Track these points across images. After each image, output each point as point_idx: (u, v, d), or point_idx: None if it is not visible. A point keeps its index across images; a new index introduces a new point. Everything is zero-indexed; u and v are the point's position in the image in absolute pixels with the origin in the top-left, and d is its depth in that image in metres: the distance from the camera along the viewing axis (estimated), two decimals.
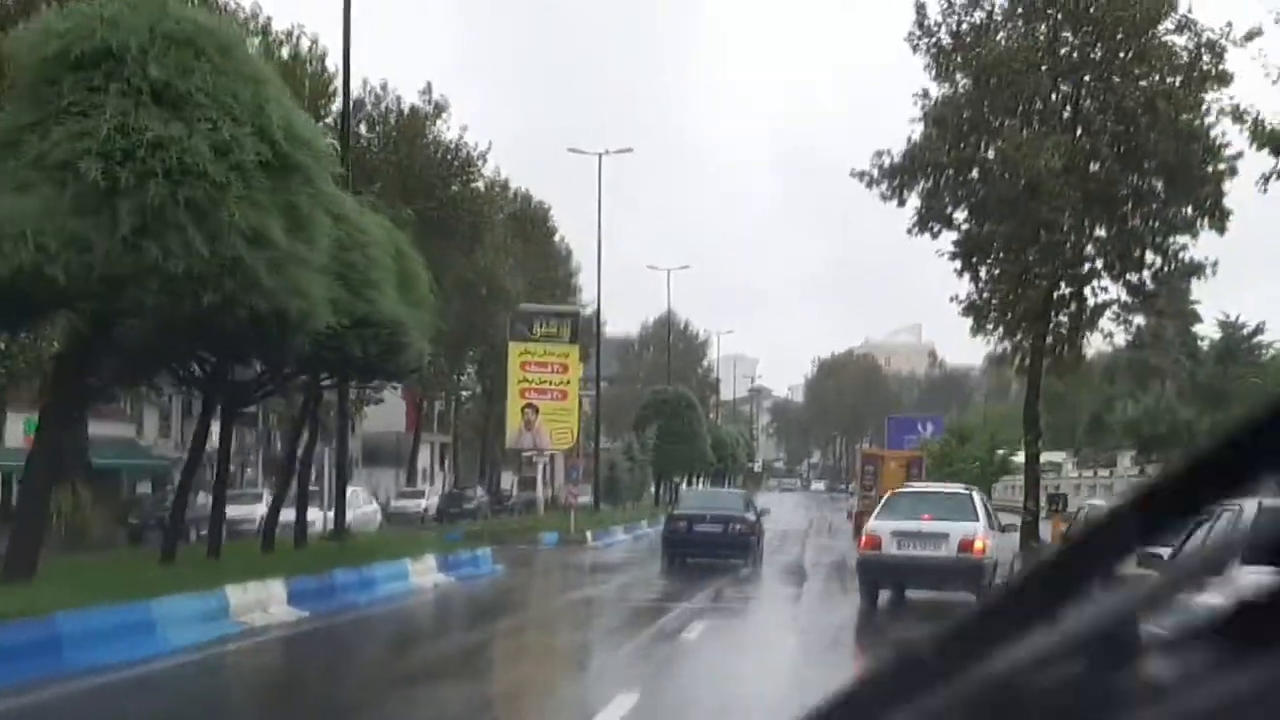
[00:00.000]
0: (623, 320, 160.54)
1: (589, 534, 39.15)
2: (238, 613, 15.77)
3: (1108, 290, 42.24)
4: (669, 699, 11.79)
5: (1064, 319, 42.60)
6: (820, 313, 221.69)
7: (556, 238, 71.70)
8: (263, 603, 16.62)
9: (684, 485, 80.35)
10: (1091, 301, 42.27)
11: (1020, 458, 64.14)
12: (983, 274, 43.08)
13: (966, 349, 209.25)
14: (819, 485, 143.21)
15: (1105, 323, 42.63)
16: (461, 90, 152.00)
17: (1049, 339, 42.84)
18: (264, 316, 15.19)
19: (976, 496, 21.81)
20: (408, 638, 17.37)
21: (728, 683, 12.72)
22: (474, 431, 71.06)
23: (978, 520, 20.06)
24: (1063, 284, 42.18)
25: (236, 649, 14.43)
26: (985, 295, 43.29)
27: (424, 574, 22.96)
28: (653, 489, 66.14)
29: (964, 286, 43.41)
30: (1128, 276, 41.85)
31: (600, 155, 51.82)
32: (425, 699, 11.76)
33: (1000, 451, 55.98)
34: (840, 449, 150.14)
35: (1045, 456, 66.54)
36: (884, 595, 20.77)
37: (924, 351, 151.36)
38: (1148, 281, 41.66)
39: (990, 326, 43.38)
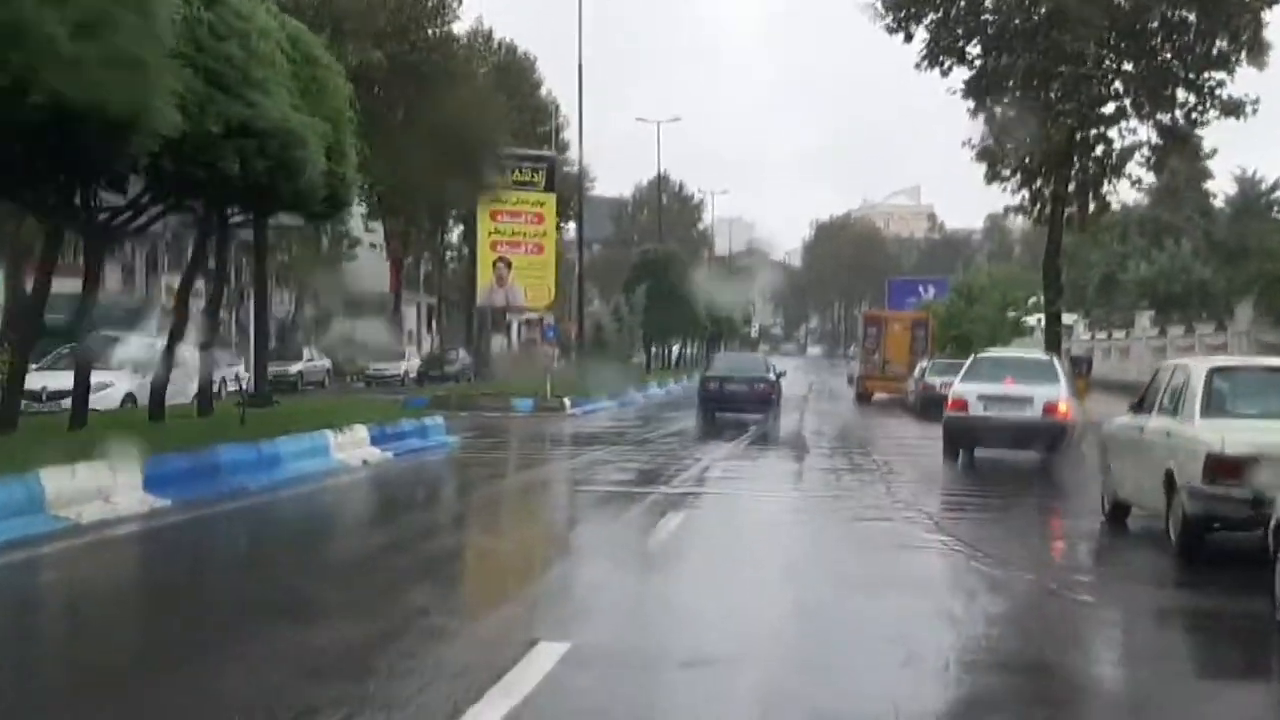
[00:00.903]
0: (617, 181, 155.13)
1: (567, 400, 35.15)
2: (58, 504, 11.70)
3: (1136, 132, 37.78)
4: (611, 646, 7.81)
5: (1089, 164, 38.11)
6: (818, 176, 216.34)
7: (543, 91, 66.77)
8: (104, 490, 12.54)
9: (676, 349, 76.56)
10: (1118, 144, 37.78)
11: (1032, 319, 60.23)
12: (998, 114, 38.45)
13: (966, 211, 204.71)
14: (815, 350, 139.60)
15: (1133, 167, 38.07)
16: None
17: (1071, 186, 38.45)
18: (76, 108, 10.96)
19: (1058, 362, 23.07)
20: (291, 538, 13.12)
21: (696, 623, 8.69)
22: (460, 293, 67.03)
23: (1059, 383, 21.04)
24: (1086, 125, 37.63)
25: (28, 558, 10.35)
26: (1000, 139, 38.71)
27: (351, 448, 18.88)
28: (642, 353, 62.07)
29: (976, 130, 38.87)
30: (1158, 116, 37.28)
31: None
32: (262, 641, 7.78)
33: (1012, 312, 51.75)
34: (838, 314, 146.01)
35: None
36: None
37: (923, 214, 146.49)
38: (1180, 121, 37.12)
39: (1005, 173, 38.92)
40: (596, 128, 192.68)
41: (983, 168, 38.85)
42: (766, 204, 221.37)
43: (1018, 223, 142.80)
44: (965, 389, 21.51)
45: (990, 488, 18.88)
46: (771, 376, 34.46)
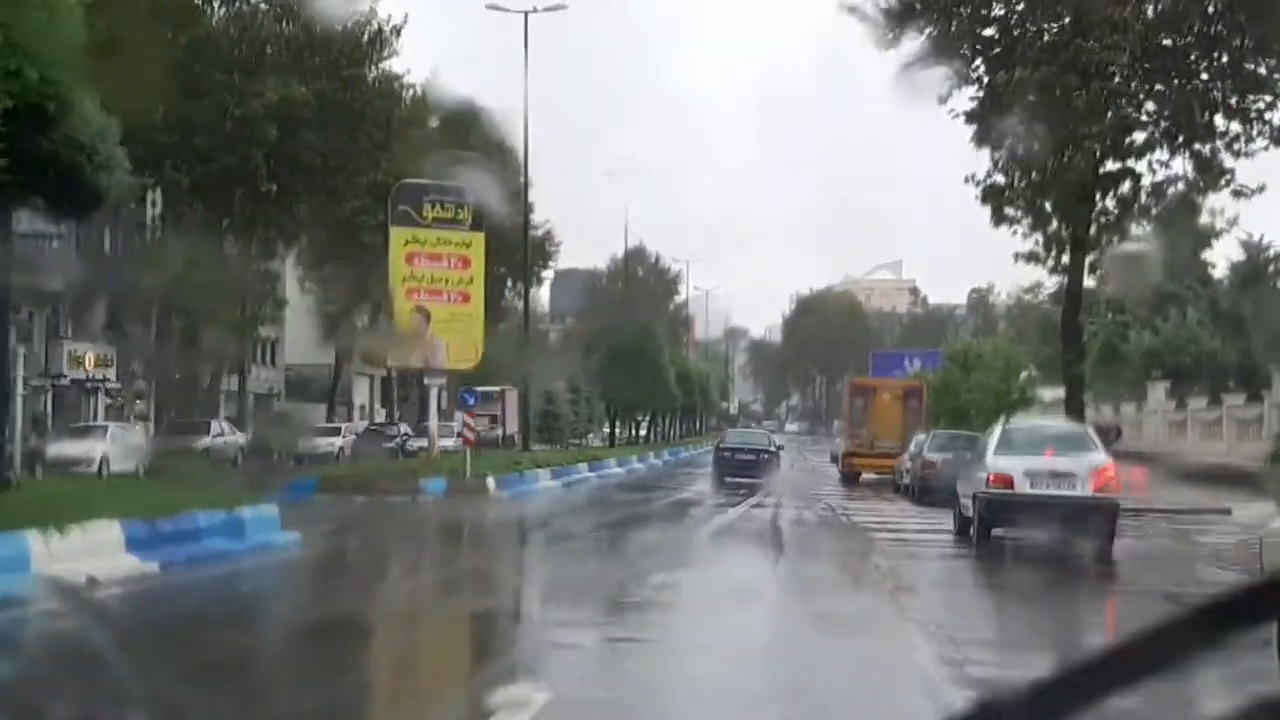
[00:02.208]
0: (592, 254, 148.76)
1: (491, 480, 28.27)
2: None
3: (1168, 166, 31.37)
4: None
5: (1110, 203, 31.61)
6: (799, 250, 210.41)
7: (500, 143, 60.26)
8: None
9: (648, 425, 69.76)
10: (1148, 179, 31.34)
11: (1044, 392, 53.65)
12: (1007, 142, 31.96)
13: (949, 286, 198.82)
14: (794, 427, 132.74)
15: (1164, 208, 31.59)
16: None
17: (1092, 229, 31.90)
18: None
19: (1093, 432, 20.87)
20: None
21: None
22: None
23: (1103, 454, 18.81)
24: (1113, 154, 31.20)
25: None
26: (1010, 171, 32.19)
27: (79, 558, 12.01)
28: (607, 428, 55.25)
29: (982, 165, 32.42)
30: (1195, 146, 30.85)
31: (526, 14, 42.63)
32: None
33: (1024, 374, 45.03)
34: (820, 389, 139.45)
35: (1049, 393, 56.08)
36: None
37: (905, 288, 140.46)
38: (1221, 152, 30.66)
39: (1015, 214, 32.35)
40: (570, 196, 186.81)
41: (988, 212, 32.38)
42: (746, 278, 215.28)
43: (1001, 298, 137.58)
44: (1008, 463, 18.76)
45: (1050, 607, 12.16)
46: (772, 448, 42.35)
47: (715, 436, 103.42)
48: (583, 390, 46.79)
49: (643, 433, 67.09)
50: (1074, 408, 30.87)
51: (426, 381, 33.23)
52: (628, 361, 53.26)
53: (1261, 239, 65.73)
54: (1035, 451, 18.87)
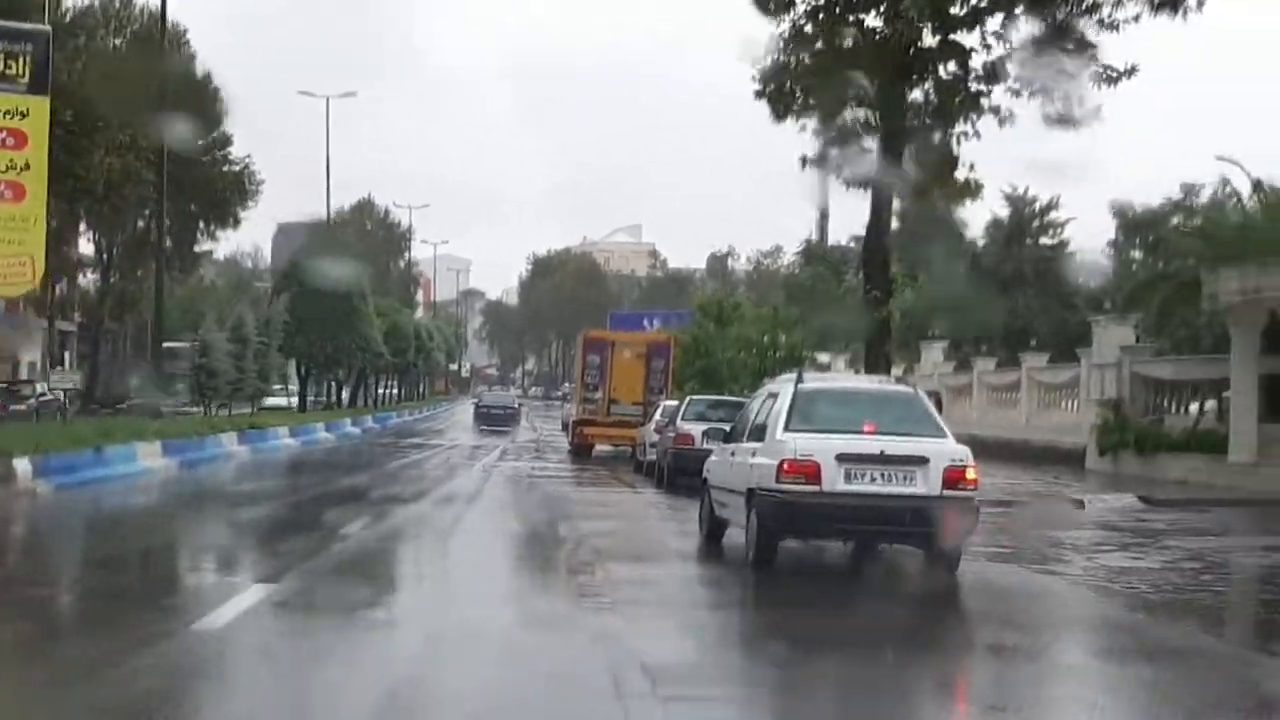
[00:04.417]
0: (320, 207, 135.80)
1: (22, 461, 17.58)
2: None
3: (1008, 40, 23.02)
4: None
5: (929, 88, 23.14)
6: (540, 215, 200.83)
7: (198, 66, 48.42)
8: None
9: (354, 386, 58.98)
10: (982, 57, 23.00)
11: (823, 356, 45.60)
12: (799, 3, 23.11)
13: (689, 250, 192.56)
14: (536, 391, 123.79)
15: (1003, 96, 23.12)
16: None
17: (908, 121, 23.35)
18: None
19: (925, 397, 13.22)
20: None
21: None
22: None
23: (946, 434, 12.28)
24: (931, 25, 22.81)
25: None
26: (799, 46, 23.37)
27: None
28: (296, 387, 44.47)
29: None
30: (1045, 10, 22.64)
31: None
32: None
33: (786, 337, 36.45)
34: (557, 353, 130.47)
35: (823, 357, 48.32)
36: None
37: (644, 252, 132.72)
38: (1076, 22, 22.51)
39: (804, 100, 23.52)
40: (308, 148, 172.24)
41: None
42: (487, 241, 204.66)
43: (741, 262, 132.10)
44: (810, 444, 11.87)
45: None
46: (516, 405, 61.19)
47: (437, 401, 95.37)
48: (251, 342, 35.95)
49: (345, 395, 56.12)
50: (877, 360, 22.28)
51: None
52: (319, 310, 42.62)
53: (1025, 192, 60.01)
54: (848, 427, 12.18)
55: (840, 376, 19.07)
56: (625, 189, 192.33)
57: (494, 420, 53.30)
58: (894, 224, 41.95)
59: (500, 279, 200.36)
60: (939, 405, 16.19)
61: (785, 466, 11.87)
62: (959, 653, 9.26)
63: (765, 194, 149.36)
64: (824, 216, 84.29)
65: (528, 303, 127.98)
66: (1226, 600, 12.38)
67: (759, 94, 23.66)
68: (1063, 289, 56.68)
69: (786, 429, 12.25)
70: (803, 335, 37.62)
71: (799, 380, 12.99)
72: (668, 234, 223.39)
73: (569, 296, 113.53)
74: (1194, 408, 28.10)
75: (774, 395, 13.21)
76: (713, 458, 14.70)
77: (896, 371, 43.99)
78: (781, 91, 23.31)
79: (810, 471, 11.80)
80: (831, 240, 74.39)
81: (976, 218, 66.38)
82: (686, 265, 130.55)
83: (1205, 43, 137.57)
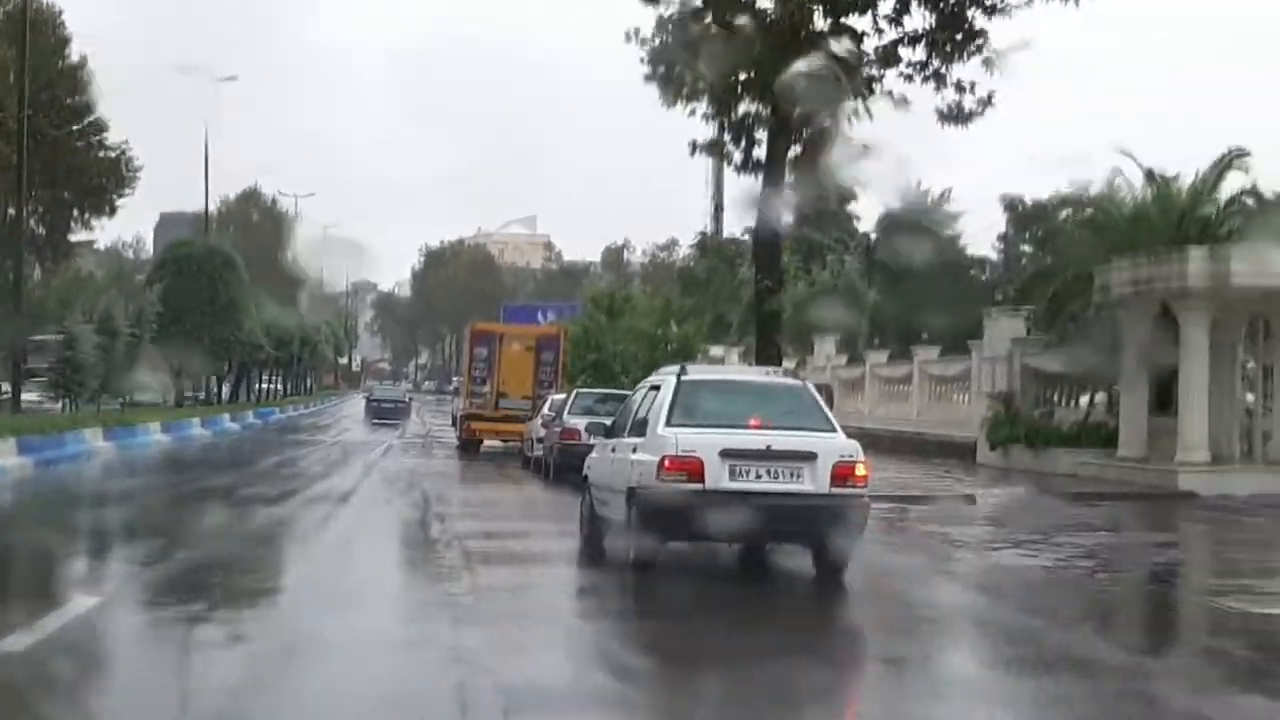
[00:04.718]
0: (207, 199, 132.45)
1: None
2: None
3: (900, 24, 22.60)
4: None
5: (826, 71, 22.50)
6: (434, 207, 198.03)
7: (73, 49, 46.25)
8: None
9: (235, 380, 57.15)
10: (875, 40, 22.52)
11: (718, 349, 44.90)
12: None
13: (584, 243, 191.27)
14: (429, 385, 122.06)
15: (895, 80, 22.62)
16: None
17: (798, 109, 22.75)
18: None
19: (813, 390, 12.50)
20: None
21: None
22: None
23: (835, 428, 11.64)
24: (822, 7, 22.31)
25: None
26: (688, 27, 22.70)
27: None
28: (164, 381, 42.67)
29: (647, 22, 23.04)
30: None
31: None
32: None
33: (678, 328, 35.73)
34: (450, 346, 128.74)
35: (716, 350, 47.73)
36: None
37: (540, 244, 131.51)
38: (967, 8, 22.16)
39: (694, 83, 22.87)
40: (191, 137, 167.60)
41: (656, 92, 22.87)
42: (380, 234, 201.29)
43: (637, 254, 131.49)
44: (693, 439, 11.18)
45: None
46: (406, 399, 63.38)
47: (326, 396, 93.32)
48: (121, 334, 34.30)
49: (226, 390, 54.28)
50: (769, 352, 21.66)
51: None
52: (195, 301, 41.00)
53: (919, 184, 60.12)
54: (733, 421, 11.52)
55: (726, 368, 18.43)
56: (521, 180, 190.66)
57: (384, 414, 54.41)
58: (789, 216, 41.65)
59: (393, 271, 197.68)
60: (829, 398, 15.60)
61: (666, 463, 11.16)
62: (848, 666, 8.58)
63: (663, 187, 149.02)
64: (719, 208, 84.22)
65: (420, 295, 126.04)
66: (1123, 602, 11.90)
67: (648, 77, 22.95)
68: (956, 282, 56.89)
69: (668, 424, 11.55)
70: (695, 327, 37.00)
71: (682, 372, 12.31)
72: (564, 226, 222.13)
73: (463, 288, 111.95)
74: (1084, 400, 27.98)
75: (656, 388, 12.50)
76: (594, 454, 13.95)
77: (789, 364, 43.79)
78: (671, 75, 22.61)
79: (693, 468, 11.10)
80: (727, 232, 74.14)
81: (870, 210, 66.75)
82: (582, 258, 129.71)
83: (1098, 32, 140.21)
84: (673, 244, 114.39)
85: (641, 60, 22.52)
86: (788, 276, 23.99)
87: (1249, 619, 10.06)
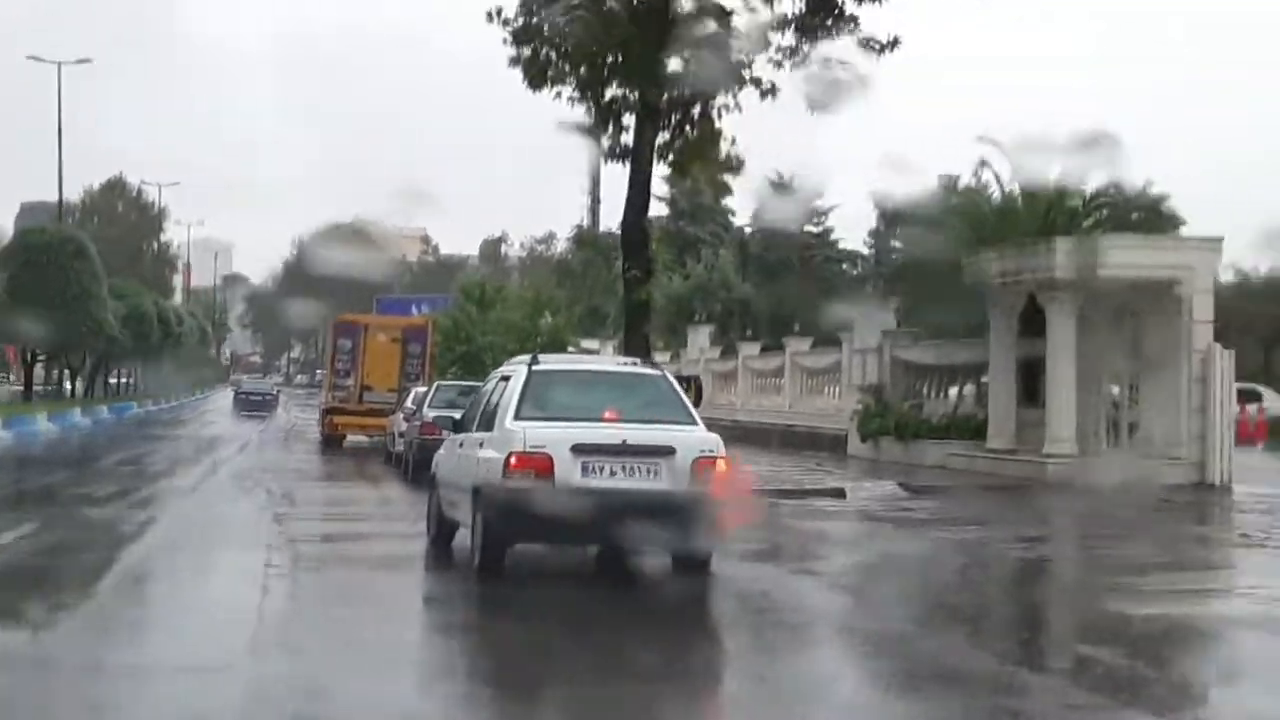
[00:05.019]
0: (69, 187, 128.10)
1: None
2: None
3: (772, 5, 21.95)
4: None
5: (698, 55, 21.92)
6: (309, 199, 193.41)
7: None
8: None
9: (90, 374, 54.78)
10: (745, 22, 21.89)
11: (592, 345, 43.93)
12: None
13: (462, 236, 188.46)
14: (302, 379, 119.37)
15: (764, 67, 22.03)
16: None
17: (665, 96, 22.12)
18: None
19: (672, 380, 11.66)
20: None
21: None
22: None
23: (696, 421, 10.96)
24: None
25: None
26: (551, 3, 21.89)
27: None
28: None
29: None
30: None
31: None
32: None
33: (550, 319, 34.78)
34: (323, 340, 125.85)
35: (592, 345, 46.89)
36: None
37: (416, 236, 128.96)
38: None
39: (560, 66, 22.07)
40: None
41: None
42: (253, 226, 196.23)
43: (515, 248, 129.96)
44: (542, 433, 10.34)
45: None
46: (274, 391, 64.88)
47: (192, 390, 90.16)
48: None
49: (79, 384, 51.89)
50: (637, 343, 20.88)
51: None
52: (45, 292, 38.93)
53: (791, 180, 59.89)
54: (586, 414, 10.80)
55: (581, 358, 17.64)
56: (397, 171, 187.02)
57: (252, 406, 55.10)
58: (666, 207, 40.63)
59: (266, 264, 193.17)
60: (699, 390, 14.88)
61: (513, 460, 10.35)
62: (705, 684, 7.82)
63: (543, 179, 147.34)
64: (596, 201, 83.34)
65: (292, 287, 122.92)
66: (993, 602, 11.36)
67: (513, 60, 22.02)
68: (829, 275, 56.92)
69: (517, 417, 10.74)
70: (566, 319, 36.16)
71: (533, 362, 11.49)
72: (441, 219, 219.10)
73: (336, 283, 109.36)
74: (954, 392, 27.75)
75: (506, 379, 11.65)
76: (442, 449, 13.09)
77: (663, 356, 43.21)
78: (536, 57, 21.70)
79: (541, 465, 10.31)
80: (605, 226, 73.43)
81: (745, 205, 66.51)
82: (460, 251, 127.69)
83: (966, 27, 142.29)
84: (551, 237, 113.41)
85: (505, 41, 21.61)
86: (656, 266, 23.22)
87: (1123, 620, 9.55)
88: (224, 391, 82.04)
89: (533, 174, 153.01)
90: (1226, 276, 39.13)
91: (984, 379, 25.81)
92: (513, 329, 33.27)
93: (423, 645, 8.67)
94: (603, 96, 21.76)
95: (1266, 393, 40.57)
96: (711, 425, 11.63)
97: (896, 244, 59.42)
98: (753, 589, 10.98)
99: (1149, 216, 29.73)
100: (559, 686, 7.30)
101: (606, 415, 10.75)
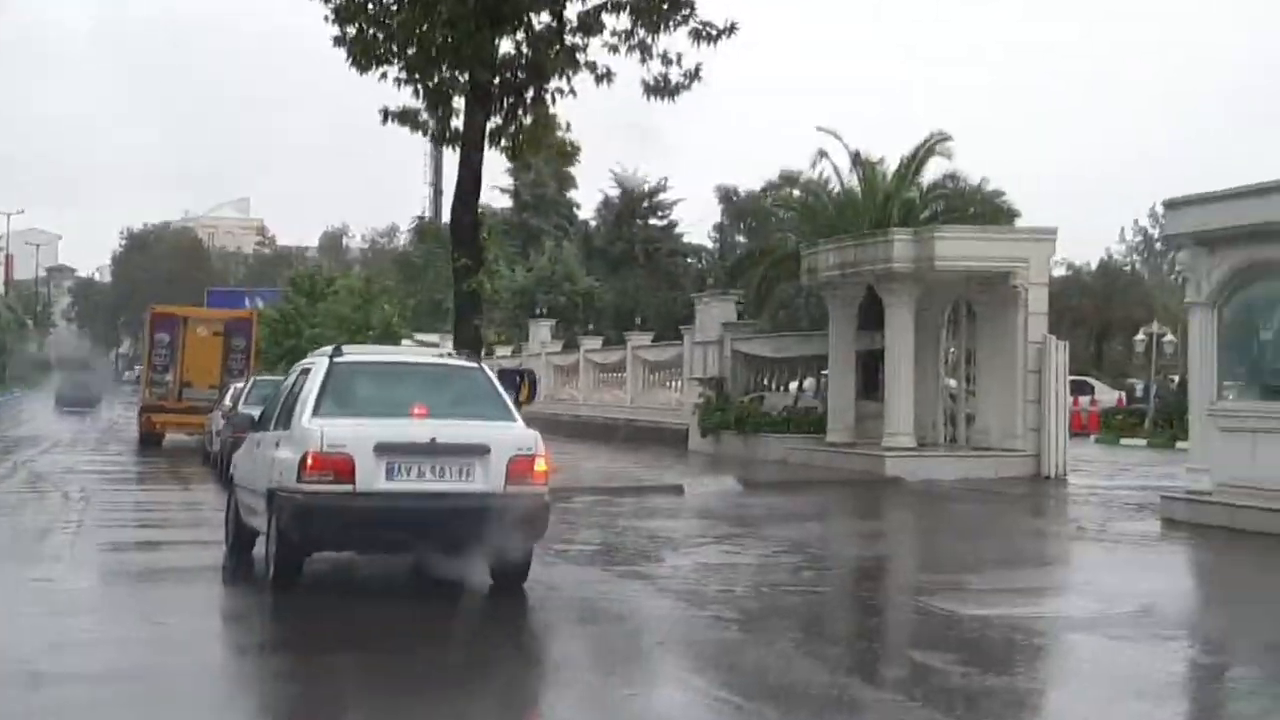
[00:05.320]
0: None
1: None
2: None
3: None
4: None
5: (522, 39, 21.10)
6: (139, 188, 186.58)
7: None
8: None
9: None
10: (577, 7, 21.09)
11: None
12: None
13: (301, 228, 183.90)
14: (132, 374, 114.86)
15: (600, 52, 21.25)
16: None
17: (497, 80, 21.27)
18: None
19: (489, 372, 10.95)
20: None
21: None
22: None
23: (515, 418, 10.17)
24: None
25: None
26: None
27: None
28: None
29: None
30: None
31: None
32: None
33: (387, 308, 33.56)
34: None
35: (416, 337, 45.61)
36: None
37: (252, 228, 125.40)
38: None
39: (387, 47, 21.03)
40: None
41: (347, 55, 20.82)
42: (79, 217, 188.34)
43: (356, 240, 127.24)
44: (342, 431, 9.51)
45: None
46: (98, 388, 62.05)
47: (8, 388, 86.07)
48: None
49: None
50: (467, 335, 19.98)
51: None
52: None
53: (635, 171, 59.51)
54: (392, 411, 9.98)
55: (389, 348, 16.68)
56: (232, 160, 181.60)
57: (74, 403, 53.26)
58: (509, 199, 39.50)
59: (93, 256, 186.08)
60: (532, 385, 14.19)
61: (310, 461, 9.46)
62: (514, 707, 7.07)
63: (385, 169, 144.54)
64: (438, 192, 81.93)
65: (122, 281, 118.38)
66: (828, 604, 10.85)
67: (338, 40, 20.88)
68: (671, 268, 56.65)
69: (315, 414, 9.86)
70: (400, 310, 35.03)
71: (336, 353, 10.59)
72: (279, 209, 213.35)
73: (168, 275, 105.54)
74: (794, 385, 27.50)
75: (306, 372, 10.73)
76: (240, 449, 12.07)
77: (505, 350, 42.29)
78: (362, 36, 20.59)
79: (341, 467, 9.44)
80: (447, 217, 72.10)
81: (588, 198, 65.89)
82: (299, 243, 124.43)
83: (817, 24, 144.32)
84: (393, 230, 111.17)
85: (326, 19, 20.47)
86: (488, 255, 22.36)
87: (959, 622, 9.10)
88: (45, 387, 78.28)
89: (375, 163, 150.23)
90: (1059, 271, 39.92)
91: (824, 372, 25.59)
92: (344, 321, 32.06)
93: (192, 674, 7.72)
94: (432, 79, 20.78)
95: (1098, 385, 41.53)
96: (553, 421, 11.02)
97: (741, 238, 59.54)
98: (576, 596, 10.28)
99: (986, 210, 29.97)
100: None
101: (415, 411, 9.93)
